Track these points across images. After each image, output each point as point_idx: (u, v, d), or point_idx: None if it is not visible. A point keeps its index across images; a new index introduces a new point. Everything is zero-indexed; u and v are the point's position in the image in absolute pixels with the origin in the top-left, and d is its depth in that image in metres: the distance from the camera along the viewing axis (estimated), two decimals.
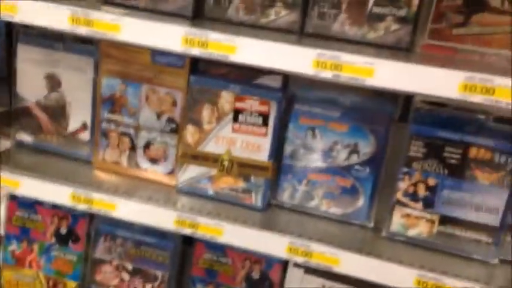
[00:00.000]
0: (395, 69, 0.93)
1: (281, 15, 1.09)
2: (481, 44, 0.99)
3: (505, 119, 1.04)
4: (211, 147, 1.22)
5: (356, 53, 0.97)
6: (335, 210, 1.24)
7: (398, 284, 1.07)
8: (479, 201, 1.10)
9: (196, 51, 1.01)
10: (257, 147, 1.20)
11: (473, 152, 1.08)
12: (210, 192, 1.25)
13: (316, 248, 1.11)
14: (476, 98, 0.89)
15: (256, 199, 1.24)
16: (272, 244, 1.14)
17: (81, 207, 1.21)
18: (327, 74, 0.97)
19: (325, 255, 1.10)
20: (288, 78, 1.18)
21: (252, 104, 1.18)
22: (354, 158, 1.19)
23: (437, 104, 1.08)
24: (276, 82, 1.18)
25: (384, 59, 0.94)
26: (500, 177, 1.07)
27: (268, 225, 1.17)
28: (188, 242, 1.35)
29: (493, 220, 1.10)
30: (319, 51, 0.96)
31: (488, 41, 0.99)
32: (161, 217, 1.17)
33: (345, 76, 0.96)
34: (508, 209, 1.09)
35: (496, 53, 0.99)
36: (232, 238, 1.15)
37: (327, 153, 1.21)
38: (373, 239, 1.19)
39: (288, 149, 1.23)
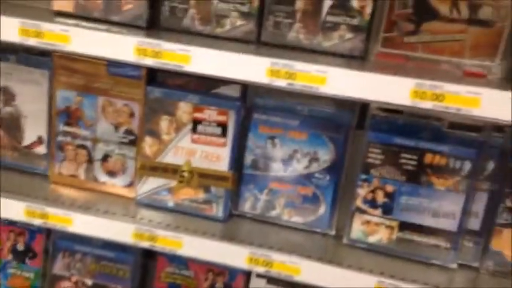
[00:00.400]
0: (348, 77, 0.93)
1: (237, 25, 1.09)
2: (432, 52, 1.01)
3: (459, 125, 1.05)
4: (171, 158, 1.20)
5: (310, 61, 0.97)
6: (297, 219, 1.23)
7: None
8: (437, 207, 1.11)
9: (149, 61, 1.00)
10: (217, 157, 1.19)
11: (428, 158, 1.09)
12: (170, 204, 1.23)
13: (277, 257, 1.10)
14: (427, 105, 0.90)
15: (217, 210, 1.22)
16: (232, 255, 1.12)
17: (36, 222, 1.17)
18: (281, 83, 0.97)
19: (286, 264, 1.10)
20: (246, 88, 1.18)
21: (210, 114, 1.17)
22: (314, 166, 1.20)
23: (393, 111, 1.09)
24: (234, 91, 1.18)
25: (336, 67, 0.94)
26: (455, 183, 1.09)
27: (229, 236, 1.16)
28: (150, 255, 1.32)
29: (451, 225, 1.11)
30: (272, 60, 0.96)
31: (439, 48, 1.01)
32: (119, 230, 1.15)
33: (299, 84, 0.96)
34: (465, 214, 1.10)
35: (447, 61, 1.01)
36: (191, 250, 1.13)
37: (287, 161, 1.20)
38: (334, 246, 1.19)
39: (248, 158, 1.22)
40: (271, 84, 0.97)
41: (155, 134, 1.19)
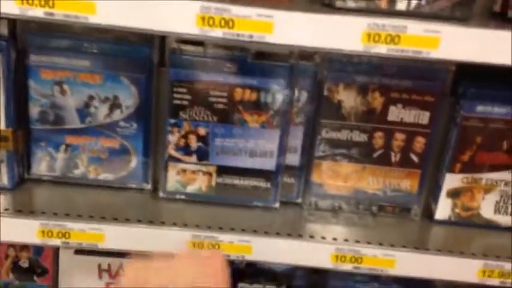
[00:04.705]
0: (118, 1, 0.75)
1: None
2: None
3: (265, 54, 0.95)
4: None
5: None
6: (106, 175, 1.07)
7: (172, 248, 0.96)
8: (253, 146, 1.02)
9: None
10: None
11: (238, 94, 0.98)
12: None
13: (73, 226, 0.93)
14: (217, 33, 0.77)
15: (0, 177, 1.00)
16: (20, 230, 0.93)
17: None
18: (35, 12, 0.75)
19: (85, 232, 0.94)
20: (15, 23, 0.94)
21: None
22: (117, 114, 1.02)
23: (195, 43, 0.95)
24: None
25: None
26: (268, 118, 1.00)
27: (15, 208, 0.95)
28: None
29: (269, 164, 1.04)
30: None
31: None
32: None
33: (60, 14, 0.76)
34: (282, 150, 1.03)
35: None
36: None
37: (83, 111, 1.01)
38: (150, 202, 1.05)
39: (34, 111, 1.01)
40: (23, 14, 0.75)
41: None
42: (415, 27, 0.75)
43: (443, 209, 1.06)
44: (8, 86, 0.95)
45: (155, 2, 0.75)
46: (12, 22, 0.94)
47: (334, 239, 0.98)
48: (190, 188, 1.06)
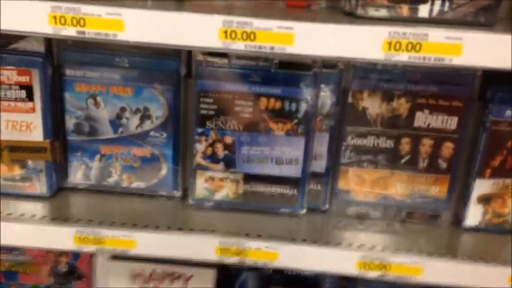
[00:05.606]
0: (145, 19, 0.79)
1: None
2: None
3: (289, 63, 0.96)
4: None
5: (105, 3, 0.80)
6: (138, 183, 1.11)
7: (200, 256, 0.98)
8: (279, 154, 1.04)
9: None
10: (27, 126, 1.01)
11: (263, 103, 0.99)
12: None
13: (108, 232, 0.97)
14: (239, 46, 0.79)
15: (39, 186, 1.06)
16: (57, 237, 0.98)
17: None
18: (69, 32, 0.80)
19: (118, 239, 0.98)
20: (51, 41, 0.99)
21: (9, 75, 0.97)
22: (147, 124, 1.06)
23: (219, 54, 0.97)
24: (36, 45, 0.98)
25: (131, 9, 0.79)
26: (293, 126, 1.01)
27: (52, 216, 1.00)
28: None
29: (295, 171, 1.05)
30: (52, 4, 0.78)
31: None
32: None
33: (92, 32, 0.80)
34: (308, 157, 1.04)
35: None
36: (8, 238, 0.97)
37: (116, 122, 1.05)
38: (180, 209, 1.09)
39: (70, 123, 1.06)
40: (56, 34, 0.80)
41: None
42: (436, 35, 0.75)
43: (473, 215, 1.05)
44: (46, 99, 1.00)
45: (179, 18, 0.78)
46: (48, 39, 0.99)
47: (360, 246, 0.98)
48: (218, 195, 1.08)
